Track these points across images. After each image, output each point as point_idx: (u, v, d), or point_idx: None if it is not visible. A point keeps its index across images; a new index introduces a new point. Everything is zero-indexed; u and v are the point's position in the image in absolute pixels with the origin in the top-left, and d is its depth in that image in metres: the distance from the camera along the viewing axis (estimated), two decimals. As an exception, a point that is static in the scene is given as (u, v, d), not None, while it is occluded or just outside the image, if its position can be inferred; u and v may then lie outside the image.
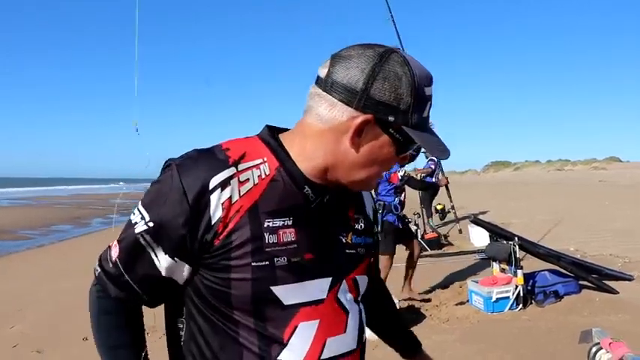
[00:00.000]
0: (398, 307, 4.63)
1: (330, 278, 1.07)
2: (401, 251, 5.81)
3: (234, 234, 0.97)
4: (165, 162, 1.05)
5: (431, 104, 1.03)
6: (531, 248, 5.63)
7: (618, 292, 5.25)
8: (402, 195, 5.64)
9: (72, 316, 5.81)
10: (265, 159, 1.04)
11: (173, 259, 1.00)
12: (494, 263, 5.69)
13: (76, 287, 7.30)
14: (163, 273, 1.02)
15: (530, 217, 12.28)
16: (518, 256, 5.20)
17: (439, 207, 7.06)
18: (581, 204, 13.76)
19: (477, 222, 6.33)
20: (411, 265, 5.76)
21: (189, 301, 1.05)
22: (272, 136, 1.08)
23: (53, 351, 4.67)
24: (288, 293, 1.01)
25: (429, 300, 5.75)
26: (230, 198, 0.98)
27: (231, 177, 0.99)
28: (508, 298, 5.08)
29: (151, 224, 0.99)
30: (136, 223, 1.02)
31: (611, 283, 5.42)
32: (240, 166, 1.01)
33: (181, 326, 1.09)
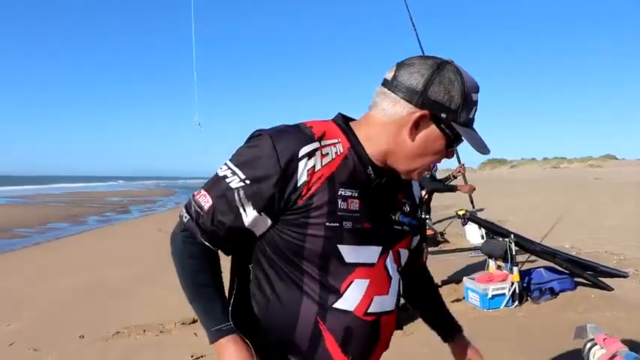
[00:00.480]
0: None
1: (381, 247, 1.27)
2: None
3: (315, 196, 1.16)
4: (255, 132, 1.22)
5: (476, 108, 1.23)
6: (527, 245, 5.65)
7: (613, 289, 5.27)
8: (422, 191, 5.63)
9: (69, 314, 5.81)
10: (339, 140, 1.23)
11: (260, 213, 1.17)
12: (490, 260, 5.70)
13: (73, 285, 7.31)
14: (247, 225, 1.19)
15: (526, 214, 12.32)
16: (514, 253, 5.22)
17: (461, 212, 6.78)
18: (576, 201, 13.79)
19: (473, 219, 6.35)
20: None
21: (260, 251, 1.25)
22: (344, 122, 1.28)
23: (50, 349, 4.66)
24: (349, 253, 1.20)
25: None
26: (314, 167, 1.16)
27: (315, 149, 1.17)
28: (504, 294, 5.10)
29: (247, 182, 1.16)
30: (226, 177, 1.18)
31: (606, 280, 5.44)
32: (323, 142, 1.20)
33: (249, 273, 1.28)
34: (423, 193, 5.65)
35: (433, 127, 1.19)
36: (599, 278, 5.45)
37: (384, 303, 1.28)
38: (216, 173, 1.21)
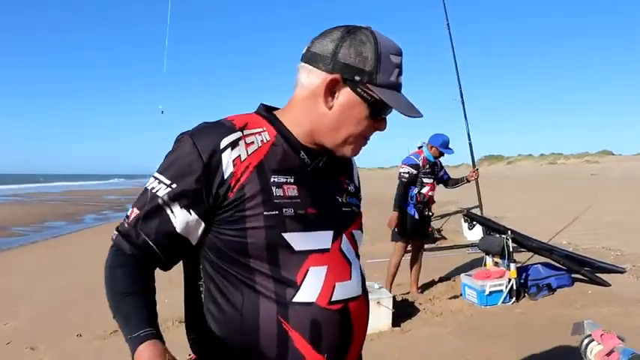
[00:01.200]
0: (391, 301, 4.65)
1: (332, 231, 1.21)
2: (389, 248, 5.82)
3: (246, 187, 1.11)
4: (178, 136, 1.17)
5: (400, 72, 1.17)
6: (524, 241, 5.65)
7: (610, 285, 5.28)
8: (425, 188, 5.68)
9: (66, 312, 5.80)
10: (264, 128, 1.19)
11: (189, 213, 1.12)
12: (487, 257, 5.71)
13: (70, 283, 7.31)
14: (178, 229, 1.12)
15: (523, 210, 12.34)
16: (511, 249, 5.23)
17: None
18: (573, 197, 13.83)
19: (471, 216, 6.36)
20: (414, 262, 5.84)
21: (206, 261, 1.17)
22: (268, 112, 1.24)
23: (47, 347, 4.65)
24: (297, 240, 1.14)
25: (422, 292, 5.79)
26: (239, 156, 1.12)
27: (239, 139, 1.14)
28: (501, 291, 5.10)
29: (173, 185, 1.11)
30: (153, 187, 1.13)
31: (604, 276, 5.45)
32: (246, 132, 1.16)
33: (201, 289, 1.19)
34: (426, 190, 5.66)
35: (349, 91, 1.14)
36: (597, 274, 5.46)
37: (348, 288, 1.21)
38: (145, 186, 1.16)
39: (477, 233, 7.71)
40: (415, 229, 5.72)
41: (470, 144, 6.56)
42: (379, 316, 4.48)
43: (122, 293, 1.10)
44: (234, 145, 1.12)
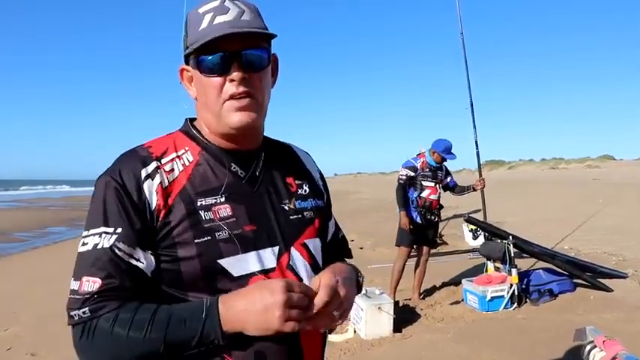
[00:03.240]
0: (392, 307, 4.64)
1: (277, 247, 1.11)
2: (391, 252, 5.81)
3: (170, 214, 1.03)
4: (96, 180, 1.09)
5: (216, 13, 1.06)
6: (526, 247, 5.64)
7: (612, 290, 5.27)
8: (426, 192, 5.70)
9: (66, 318, 5.79)
10: (187, 148, 1.13)
11: (148, 252, 1.03)
12: (488, 262, 5.70)
13: (71, 289, 7.27)
14: (147, 270, 1.03)
15: (524, 215, 12.32)
16: (512, 255, 5.22)
17: (473, 227, 6.55)
18: (575, 202, 13.80)
19: (472, 221, 6.34)
20: (418, 268, 5.84)
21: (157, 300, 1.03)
22: (191, 126, 1.18)
23: (47, 353, 4.64)
24: (235, 264, 1.05)
25: (423, 299, 5.78)
26: (161, 184, 1.05)
27: (156, 169, 1.07)
28: (503, 296, 5.09)
29: (118, 230, 1.01)
30: (96, 244, 1.01)
31: (606, 281, 5.44)
32: (163, 160, 1.09)
33: None
34: (426, 194, 5.68)
35: (190, 69, 1.13)
36: (599, 279, 5.45)
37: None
38: (79, 253, 1.04)
39: (479, 238, 7.70)
40: (419, 234, 5.72)
41: (477, 152, 6.57)
42: (380, 322, 4.46)
43: (147, 321, 0.95)
44: (153, 175, 1.05)
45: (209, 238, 1.03)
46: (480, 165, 6.70)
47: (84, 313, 0.98)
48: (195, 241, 1.02)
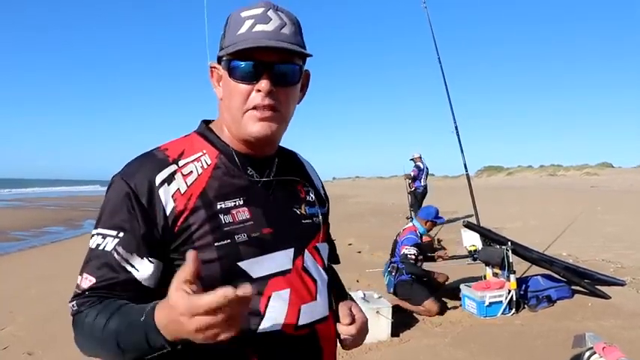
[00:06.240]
0: (390, 311, 4.63)
1: (292, 249, 1.14)
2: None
3: (190, 218, 1.04)
4: (112, 177, 1.10)
5: (257, 20, 1.06)
6: (524, 253, 5.64)
7: (610, 297, 5.27)
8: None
9: (64, 317, 5.73)
10: (205, 151, 1.13)
11: (149, 260, 1.03)
12: (487, 268, 5.70)
13: (68, 288, 7.20)
14: (138, 277, 1.03)
15: (523, 221, 12.32)
16: (511, 260, 5.22)
17: (472, 248, 6.43)
18: (573, 209, 13.80)
19: (470, 226, 6.34)
20: None
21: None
22: (207, 129, 1.19)
23: (45, 353, 4.63)
24: (254, 266, 1.07)
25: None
26: (179, 189, 1.05)
27: (174, 172, 1.07)
28: (501, 302, 5.09)
29: (120, 234, 1.03)
30: (98, 245, 1.04)
31: (604, 288, 5.44)
32: (181, 162, 1.09)
33: None
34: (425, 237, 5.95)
35: (221, 69, 1.13)
36: (597, 286, 5.45)
37: (314, 310, 1.14)
38: (89, 248, 1.07)
39: (475, 244, 7.68)
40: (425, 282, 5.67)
41: (467, 174, 6.74)
42: (378, 326, 4.46)
43: (105, 322, 0.98)
44: (170, 179, 1.06)
45: (229, 241, 1.05)
46: (471, 187, 6.89)
47: (73, 306, 1.05)
48: (216, 244, 1.04)
